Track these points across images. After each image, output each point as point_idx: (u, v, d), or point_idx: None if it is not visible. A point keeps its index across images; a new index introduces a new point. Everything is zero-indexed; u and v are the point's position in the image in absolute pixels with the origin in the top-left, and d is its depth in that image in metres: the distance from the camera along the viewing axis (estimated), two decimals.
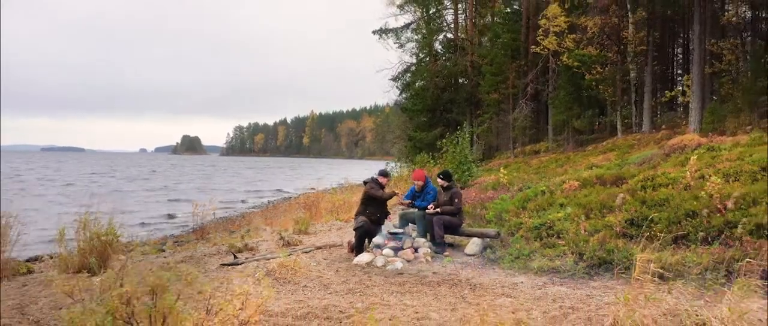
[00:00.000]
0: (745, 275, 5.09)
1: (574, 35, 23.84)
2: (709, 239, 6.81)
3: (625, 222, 7.59)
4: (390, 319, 5.16)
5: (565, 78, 25.20)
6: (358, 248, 7.90)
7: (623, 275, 6.14)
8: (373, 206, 8.20)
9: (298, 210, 17.16)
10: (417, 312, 5.39)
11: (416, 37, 35.11)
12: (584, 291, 6.11)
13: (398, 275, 7.00)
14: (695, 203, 7.38)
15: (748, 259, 5.57)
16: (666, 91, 24.22)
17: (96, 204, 8.03)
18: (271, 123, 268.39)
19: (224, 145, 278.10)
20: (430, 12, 34.97)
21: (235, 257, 8.04)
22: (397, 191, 9.00)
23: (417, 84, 33.09)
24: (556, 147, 27.86)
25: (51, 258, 9.60)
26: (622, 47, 24.16)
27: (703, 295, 5.40)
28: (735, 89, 22.36)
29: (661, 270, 5.39)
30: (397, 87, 35.24)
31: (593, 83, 23.78)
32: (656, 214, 7.47)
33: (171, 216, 22.24)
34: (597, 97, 26.08)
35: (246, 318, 4.33)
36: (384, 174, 8.68)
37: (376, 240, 7.78)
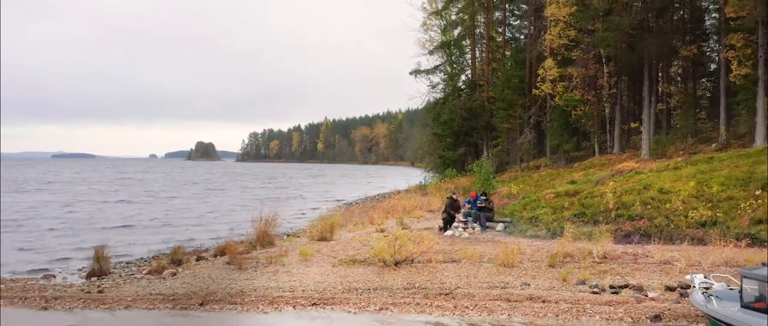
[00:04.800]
0: (607, 232, 13.61)
1: (564, 82, 32.04)
2: (607, 222, 15.24)
3: (571, 215, 16.00)
4: (471, 251, 13.57)
5: (557, 113, 33.31)
6: (444, 228, 16.00)
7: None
8: (450, 208, 16.67)
9: (376, 211, 25.45)
10: (480, 251, 13.38)
11: (444, 77, 43.95)
12: (549, 243, 14.08)
13: (467, 239, 15.15)
14: (603, 206, 15.81)
15: (607, 224, 14.07)
16: (631, 123, 32.44)
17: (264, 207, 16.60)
18: (285, 129, 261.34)
19: (239, 151, 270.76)
20: (453, 57, 43.81)
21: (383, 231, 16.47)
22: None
23: (444, 115, 41.78)
24: (552, 163, 35.64)
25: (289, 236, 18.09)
26: (598, 91, 32.42)
27: (595, 243, 13.83)
28: (680, 122, 30.52)
29: (577, 233, 13.95)
30: (428, 115, 44.42)
31: (578, 118, 32.07)
32: (586, 210, 15.90)
33: (303, 214, 29.97)
34: (581, 128, 34.58)
35: (426, 249, 12.83)
36: (455, 192, 17.22)
37: (455, 224, 16.14)
